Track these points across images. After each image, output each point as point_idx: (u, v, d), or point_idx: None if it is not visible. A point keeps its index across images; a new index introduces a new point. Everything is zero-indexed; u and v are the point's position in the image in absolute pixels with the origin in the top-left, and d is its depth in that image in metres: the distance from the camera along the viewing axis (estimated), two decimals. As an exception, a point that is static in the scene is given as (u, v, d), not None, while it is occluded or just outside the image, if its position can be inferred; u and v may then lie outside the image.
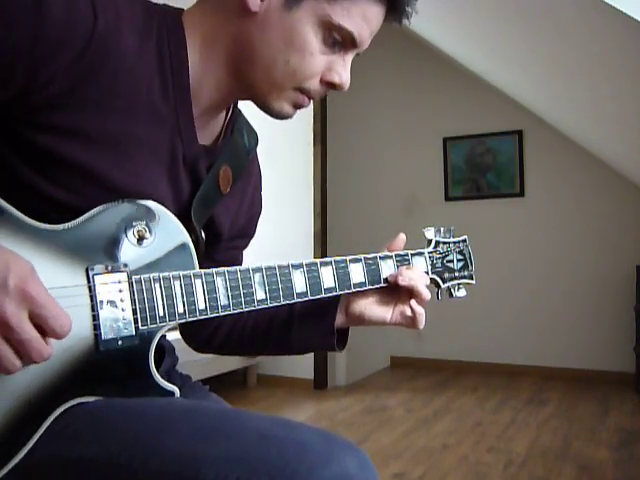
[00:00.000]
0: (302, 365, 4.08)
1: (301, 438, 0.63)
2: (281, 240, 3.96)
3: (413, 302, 0.89)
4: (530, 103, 4.37)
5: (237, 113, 0.89)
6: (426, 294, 0.88)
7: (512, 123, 4.69)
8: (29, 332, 0.57)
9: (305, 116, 4.11)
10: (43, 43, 0.62)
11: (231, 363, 3.80)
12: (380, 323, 0.90)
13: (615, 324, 4.27)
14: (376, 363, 4.94)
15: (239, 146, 0.88)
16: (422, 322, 0.90)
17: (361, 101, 5.24)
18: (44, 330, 0.58)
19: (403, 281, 0.87)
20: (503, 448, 2.81)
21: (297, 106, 0.78)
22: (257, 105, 0.80)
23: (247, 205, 0.94)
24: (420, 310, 0.89)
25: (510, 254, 4.68)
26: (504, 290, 4.67)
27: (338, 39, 0.74)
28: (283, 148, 4.18)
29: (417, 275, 0.88)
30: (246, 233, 0.97)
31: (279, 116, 0.79)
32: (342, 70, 0.76)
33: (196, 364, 3.26)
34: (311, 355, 4.06)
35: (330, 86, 0.77)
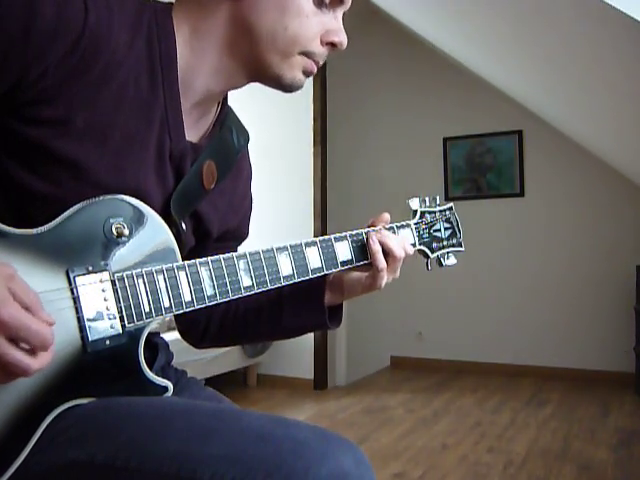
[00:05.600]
0: (302, 365, 4.08)
1: (297, 436, 0.63)
2: (281, 240, 3.94)
3: (374, 256, 0.86)
4: (530, 103, 4.36)
5: (227, 111, 0.88)
6: (398, 252, 0.86)
7: (512, 123, 4.69)
8: (10, 356, 0.56)
9: (305, 116, 4.11)
10: (35, 39, 0.62)
11: (231, 363, 3.78)
12: (363, 291, 0.89)
13: (615, 324, 4.27)
14: (376, 363, 4.94)
15: (226, 143, 0.87)
16: (382, 279, 0.86)
17: (361, 101, 5.25)
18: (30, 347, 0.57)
19: (374, 244, 0.85)
20: (503, 448, 2.81)
21: (307, 73, 0.80)
22: (268, 82, 0.80)
23: (237, 203, 0.93)
24: (381, 265, 0.85)
25: (510, 254, 4.67)
26: (504, 290, 4.67)
27: None
28: (283, 148, 4.18)
29: (387, 236, 0.87)
30: (239, 233, 0.96)
31: (292, 86, 0.80)
32: (338, 29, 0.80)
33: (196, 364, 3.25)
34: (311, 355, 4.06)
35: (331, 46, 0.80)
